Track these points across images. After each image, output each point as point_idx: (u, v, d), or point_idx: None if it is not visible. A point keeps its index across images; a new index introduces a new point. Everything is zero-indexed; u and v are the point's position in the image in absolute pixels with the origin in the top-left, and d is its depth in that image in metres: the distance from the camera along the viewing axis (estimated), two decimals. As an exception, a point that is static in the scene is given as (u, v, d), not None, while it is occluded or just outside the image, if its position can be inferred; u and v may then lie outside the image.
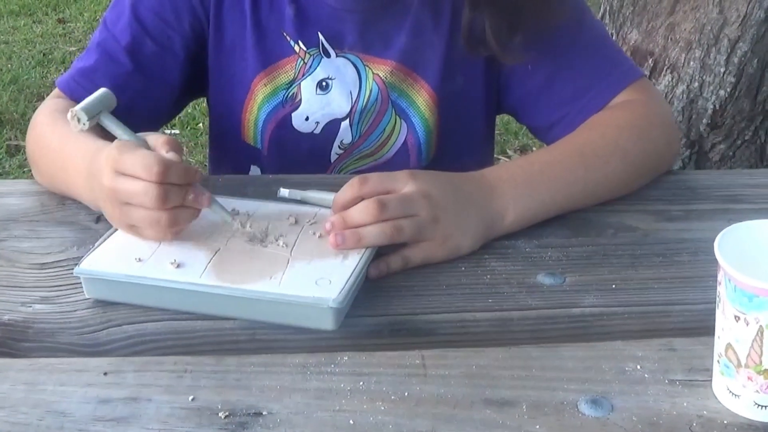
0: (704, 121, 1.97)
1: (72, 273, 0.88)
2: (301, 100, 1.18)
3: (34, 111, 1.17)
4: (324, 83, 1.17)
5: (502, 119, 2.94)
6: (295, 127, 1.19)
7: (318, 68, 1.17)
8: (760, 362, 0.71)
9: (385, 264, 0.92)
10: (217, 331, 0.84)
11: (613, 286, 0.92)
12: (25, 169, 2.85)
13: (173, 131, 3.05)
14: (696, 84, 1.95)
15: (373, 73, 1.17)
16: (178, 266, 0.88)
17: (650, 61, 2.00)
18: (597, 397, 0.76)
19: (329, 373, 0.78)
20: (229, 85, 1.20)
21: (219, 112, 1.25)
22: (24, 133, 1.25)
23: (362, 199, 0.93)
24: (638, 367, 0.79)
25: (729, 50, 1.90)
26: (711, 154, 2.00)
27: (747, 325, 0.70)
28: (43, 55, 3.84)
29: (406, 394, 0.76)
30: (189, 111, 3.19)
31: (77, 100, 1.12)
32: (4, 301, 0.89)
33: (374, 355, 0.81)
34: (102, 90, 0.94)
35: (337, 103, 1.18)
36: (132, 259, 0.89)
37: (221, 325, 0.85)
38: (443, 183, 0.97)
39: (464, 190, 0.98)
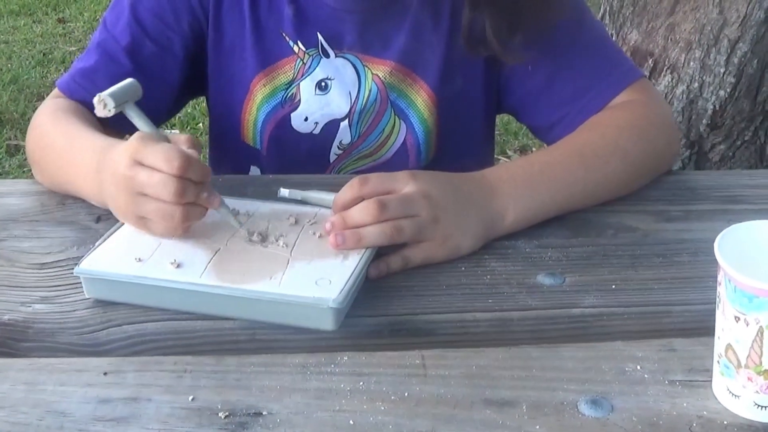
0: (704, 121, 1.97)
1: (72, 273, 0.88)
2: (300, 100, 1.18)
3: (34, 111, 1.17)
4: (323, 83, 1.17)
5: (502, 119, 2.94)
6: (294, 127, 1.19)
7: (317, 68, 1.17)
8: (760, 363, 0.71)
9: (385, 264, 0.92)
10: (217, 331, 0.84)
11: (613, 286, 0.92)
12: (25, 169, 2.85)
13: (173, 131, 3.05)
14: (696, 84, 1.95)
15: (372, 73, 1.17)
16: (178, 266, 0.88)
17: (650, 62, 2.00)
18: (597, 397, 0.76)
19: (329, 373, 0.78)
20: (229, 85, 1.20)
21: (218, 113, 1.25)
22: (24, 132, 1.25)
23: (362, 199, 0.93)
24: (638, 367, 0.79)
25: (729, 51, 1.90)
26: (711, 154, 2.00)
27: (747, 325, 0.70)
28: (43, 54, 3.84)
29: (406, 394, 0.76)
30: (189, 111, 3.19)
31: (77, 101, 1.13)
32: (4, 301, 0.89)
33: (374, 355, 0.81)
34: (130, 80, 0.95)
35: (336, 104, 1.18)
36: (132, 258, 0.89)
37: (221, 325, 0.85)
38: (443, 183, 0.97)
39: (464, 191, 0.98)
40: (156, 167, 0.87)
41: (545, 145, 1.19)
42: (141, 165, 0.88)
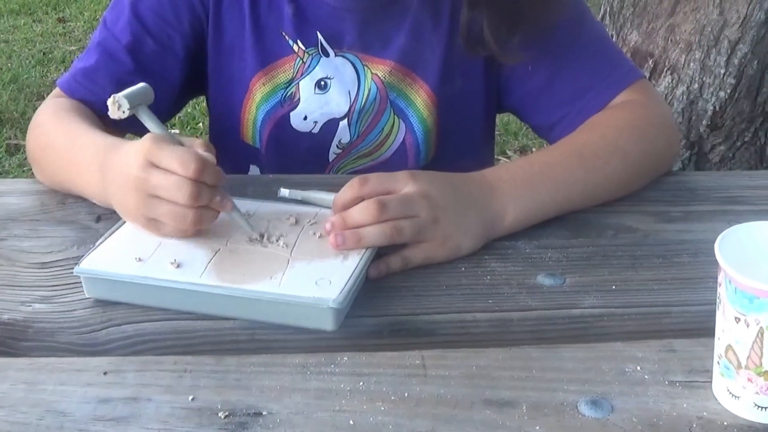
0: (704, 122, 1.97)
1: (72, 272, 0.88)
2: (299, 99, 1.18)
3: (34, 110, 1.17)
4: (322, 83, 1.17)
5: (502, 119, 2.94)
6: (294, 126, 1.19)
7: (317, 68, 1.17)
8: (760, 364, 0.71)
9: (385, 264, 0.92)
10: (217, 331, 0.84)
11: (613, 287, 0.92)
12: (24, 168, 2.85)
13: (173, 131, 3.05)
14: (696, 85, 1.95)
15: (371, 72, 1.17)
16: (178, 266, 0.88)
17: (650, 63, 2.00)
18: (597, 398, 0.76)
19: (329, 373, 0.78)
20: (228, 84, 1.20)
21: (218, 112, 1.25)
22: (24, 132, 1.25)
23: (362, 199, 0.93)
24: (638, 368, 0.79)
25: (729, 52, 1.90)
26: (711, 155, 2.00)
27: (747, 326, 0.70)
28: (43, 54, 3.84)
29: (406, 394, 0.76)
30: (189, 111, 3.19)
31: (78, 100, 1.13)
32: (4, 300, 0.88)
33: (374, 356, 0.81)
34: (142, 84, 0.95)
35: (336, 103, 1.18)
36: (132, 258, 0.89)
37: (221, 325, 0.85)
38: (443, 183, 0.97)
39: (464, 191, 0.98)
40: (171, 169, 0.87)
41: (545, 145, 1.19)
42: (155, 167, 0.88)
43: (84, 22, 4.22)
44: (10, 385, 0.77)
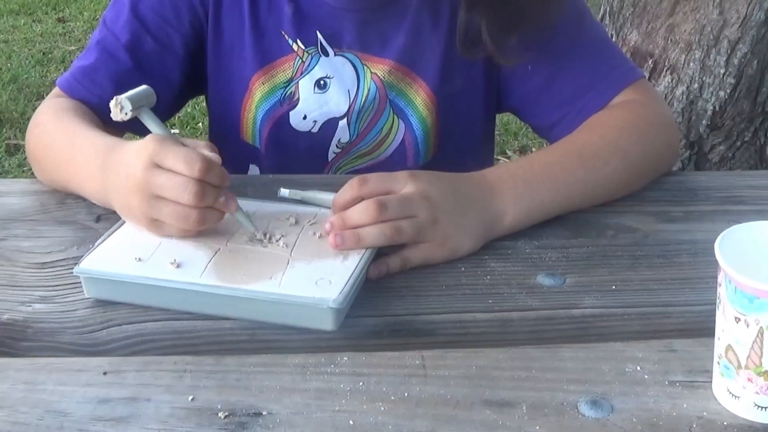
0: (704, 122, 1.97)
1: (72, 272, 0.88)
2: (299, 98, 1.18)
3: (33, 110, 1.17)
4: (322, 82, 1.17)
5: (502, 119, 2.94)
6: (293, 125, 1.19)
7: (316, 67, 1.17)
8: (760, 364, 0.71)
9: (384, 265, 0.92)
10: (217, 331, 0.84)
11: (613, 287, 0.92)
12: (24, 168, 2.85)
13: (173, 131, 3.05)
14: (696, 85, 1.95)
15: (371, 72, 1.17)
16: (178, 266, 0.88)
17: (650, 62, 2.00)
18: (597, 398, 0.76)
19: (329, 374, 0.78)
20: (228, 84, 1.20)
21: (218, 111, 1.25)
22: (24, 132, 1.25)
23: (362, 199, 0.93)
24: (638, 368, 0.79)
25: (729, 51, 1.90)
26: (711, 155, 2.00)
27: (747, 326, 0.70)
28: (43, 54, 3.84)
29: (406, 394, 0.76)
30: (188, 111, 3.19)
31: (78, 100, 1.13)
32: (4, 300, 0.88)
33: (374, 356, 0.80)
34: (144, 86, 0.95)
35: (335, 102, 1.18)
36: (132, 258, 0.89)
37: (221, 325, 0.85)
38: (443, 184, 0.97)
39: (464, 191, 0.98)
40: (176, 170, 0.87)
41: (545, 144, 1.19)
42: (159, 167, 0.88)
43: (84, 22, 4.22)
44: (10, 385, 0.77)
